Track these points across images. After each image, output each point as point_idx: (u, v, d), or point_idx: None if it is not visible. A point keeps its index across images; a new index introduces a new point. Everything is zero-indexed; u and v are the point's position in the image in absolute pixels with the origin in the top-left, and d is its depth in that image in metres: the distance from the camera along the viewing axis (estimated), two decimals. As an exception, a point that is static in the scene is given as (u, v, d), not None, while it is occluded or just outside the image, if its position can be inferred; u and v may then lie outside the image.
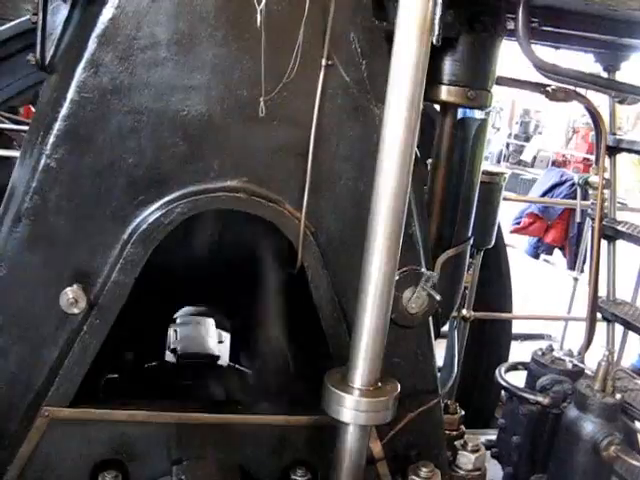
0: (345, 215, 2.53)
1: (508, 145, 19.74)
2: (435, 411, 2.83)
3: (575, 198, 5.56)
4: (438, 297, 2.56)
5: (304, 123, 2.41)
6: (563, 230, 7.82)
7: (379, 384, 2.34)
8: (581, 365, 3.41)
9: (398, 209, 2.19)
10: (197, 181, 2.39)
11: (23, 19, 2.95)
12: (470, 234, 3.01)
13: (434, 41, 2.41)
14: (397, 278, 2.39)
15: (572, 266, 6.92)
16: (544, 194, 8.00)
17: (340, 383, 2.32)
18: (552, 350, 3.56)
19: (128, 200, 2.38)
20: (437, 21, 2.43)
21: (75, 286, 2.35)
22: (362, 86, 2.46)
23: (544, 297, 8.28)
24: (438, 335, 2.96)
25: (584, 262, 6.11)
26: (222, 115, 2.37)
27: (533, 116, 16.07)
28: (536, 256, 8.53)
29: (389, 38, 2.28)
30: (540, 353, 3.53)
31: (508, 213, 8.01)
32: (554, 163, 18.61)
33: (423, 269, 2.63)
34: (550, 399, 3.26)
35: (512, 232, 8.34)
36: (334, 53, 2.39)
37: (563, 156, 18.91)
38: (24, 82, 3.09)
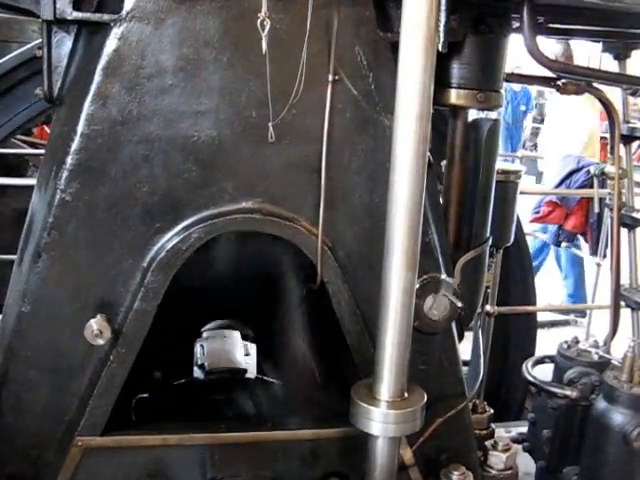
0: (362, 228, 2.53)
1: (525, 128, 19.60)
2: (464, 414, 2.82)
3: (593, 184, 5.54)
4: (460, 304, 2.56)
5: (315, 139, 2.41)
6: (583, 216, 7.75)
7: (406, 394, 2.34)
8: (607, 356, 3.38)
9: (414, 219, 2.19)
10: (212, 205, 2.40)
11: (28, 46, 2.96)
12: (488, 234, 3.00)
13: (440, 48, 2.41)
14: (417, 286, 2.39)
15: (594, 252, 6.87)
16: (561, 181, 7.93)
17: (367, 396, 2.33)
18: (577, 342, 3.54)
19: (145, 228, 2.39)
20: (442, 28, 2.44)
21: (99, 317, 2.37)
22: (370, 98, 2.45)
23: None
24: (462, 338, 2.96)
25: (606, 247, 6.08)
26: (232, 138, 2.38)
27: (548, 97, 15.93)
28: (557, 244, 8.48)
29: (394, 48, 2.28)
30: (565, 346, 3.51)
31: (527, 202, 7.97)
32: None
33: (443, 275, 2.62)
34: (578, 392, 3.24)
35: (532, 221, 8.29)
36: (340, 68, 2.39)
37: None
38: (35, 108, 3.11)
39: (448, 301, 2.61)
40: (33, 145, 6.02)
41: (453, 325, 2.76)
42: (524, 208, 6.70)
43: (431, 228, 2.63)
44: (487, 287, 3.37)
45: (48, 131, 6.24)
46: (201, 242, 2.38)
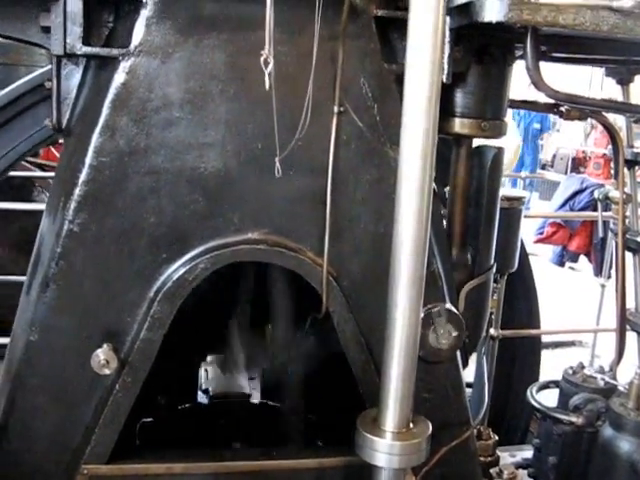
0: (367, 258, 2.54)
1: (541, 148, 19.59)
2: (468, 442, 2.83)
3: (597, 204, 5.54)
4: (464, 333, 2.57)
5: (320, 170, 2.43)
6: (587, 237, 7.78)
7: (411, 425, 2.35)
8: (613, 382, 3.39)
9: (419, 250, 2.20)
10: (218, 236, 2.42)
11: (37, 73, 2.98)
12: (492, 261, 3.01)
13: (444, 79, 2.44)
14: (422, 316, 2.40)
15: (598, 272, 6.87)
16: (565, 202, 7.95)
17: (372, 427, 2.33)
18: (583, 367, 3.55)
19: (152, 259, 2.41)
20: (446, 59, 2.47)
21: (105, 346, 2.39)
22: (375, 130, 2.47)
23: (572, 305, 8.25)
24: (466, 365, 2.97)
25: (610, 268, 6.08)
26: (239, 169, 2.40)
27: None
28: (561, 264, 8.49)
29: (399, 80, 2.30)
30: (571, 371, 3.52)
31: (530, 223, 7.97)
32: (574, 160, 18.49)
33: (447, 304, 2.63)
34: (584, 419, 3.24)
35: (535, 242, 8.31)
36: (345, 99, 2.42)
37: (583, 152, 18.79)
38: (42, 134, 3.12)
39: (453, 330, 2.62)
40: (40, 166, 6.05)
41: (458, 353, 2.77)
42: (528, 229, 6.70)
43: (435, 257, 2.64)
44: (491, 313, 3.37)
45: (55, 152, 6.29)
46: (207, 273, 2.40)
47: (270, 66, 2.09)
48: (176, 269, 2.41)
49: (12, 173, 4.64)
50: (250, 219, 2.43)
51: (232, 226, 2.42)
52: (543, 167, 19.98)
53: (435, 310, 2.60)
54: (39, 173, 5.88)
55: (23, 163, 5.56)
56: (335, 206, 2.45)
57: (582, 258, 8.63)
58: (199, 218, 2.41)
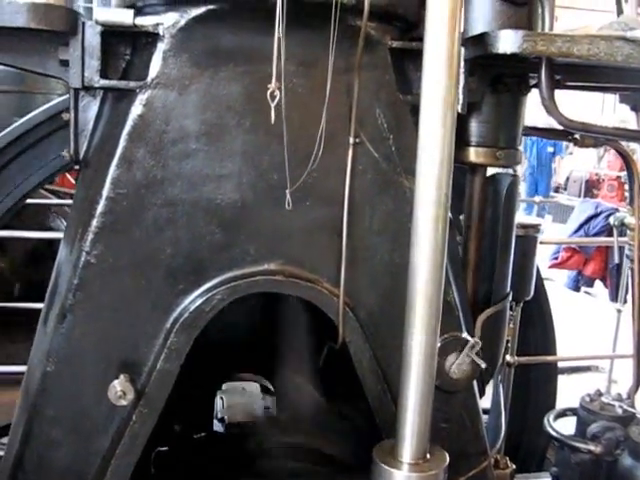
0: (383, 288, 2.54)
1: (555, 172, 19.55)
2: (486, 472, 2.80)
3: (612, 229, 5.53)
4: (483, 365, 2.56)
5: (336, 201, 2.43)
6: (602, 261, 7.75)
7: (428, 456, 2.33)
8: (631, 410, 3.36)
9: (436, 280, 2.20)
10: (235, 267, 2.42)
11: (53, 103, 3.01)
12: (508, 290, 3.00)
13: (459, 110, 2.45)
14: (438, 345, 2.39)
15: (614, 297, 6.83)
16: (580, 227, 7.95)
17: (389, 458, 2.32)
18: (600, 395, 3.52)
19: (168, 290, 2.42)
20: (461, 90, 2.48)
21: (122, 377, 2.39)
22: (391, 160, 2.48)
23: (588, 329, 8.21)
24: (483, 394, 2.96)
25: (627, 293, 6.05)
26: (255, 200, 2.41)
27: None
28: (577, 289, 8.46)
29: (414, 110, 2.31)
30: (588, 399, 3.49)
31: (545, 247, 7.95)
32: (587, 183, 18.44)
33: (464, 334, 2.62)
34: (602, 447, 3.22)
35: (550, 267, 8.29)
36: (361, 130, 2.43)
37: (596, 175, 18.76)
38: (58, 162, 3.15)
39: (469, 360, 2.61)
40: (55, 193, 6.10)
41: (474, 382, 2.76)
42: (543, 254, 6.68)
43: (452, 286, 2.64)
44: (507, 341, 3.35)
45: (70, 179, 6.33)
46: (224, 304, 2.40)
47: (276, 100, 2.11)
48: (193, 300, 2.42)
49: (28, 201, 4.69)
50: (266, 250, 2.44)
51: (249, 257, 2.43)
52: (556, 190, 19.95)
53: (452, 340, 2.60)
54: (55, 200, 5.92)
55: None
56: (351, 236, 2.45)
57: (598, 283, 8.60)
58: (216, 249, 2.42)
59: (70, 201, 5.21)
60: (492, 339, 2.94)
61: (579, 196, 17.63)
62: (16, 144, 3.00)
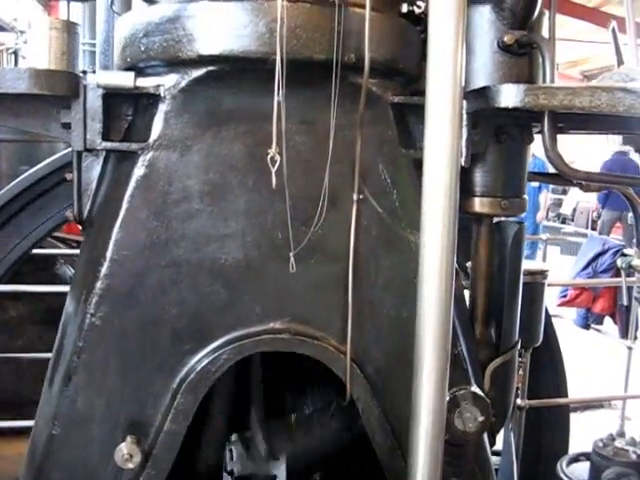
0: (390, 343, 2.52)
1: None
2: (499, 525, 2.77)
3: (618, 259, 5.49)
4: (491, 416, 2.53)
5: (341, 257, 2.42)
6: (611, 299, 7.73)
7: (439, 511, 2.31)
8: (645, 455, 3.33)
9: (443, 334, 2.19)
10: (240, 326, 2.41)
11: (57, 156, 3.03)
12: (517, 337, 2.98)
13: (463, 163, 2.45)
14: (447, 399, 2.37)
15: (624, 334, 6.79)
16: (588, 264, 7.93)
17: (400, 515, 2.30)
18: (613, 439, 3.49)
19: (174, 351, 2.40)
20: (464, 143, 2.47)
21: (129, 439, 2.36)
22: (395, 215, 2.48)
23: (599, 366, 8.15)
24: (493, 444, 2.92)
25: (637, 330, 6.02)
26: (259, 259, 2.40)
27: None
28: (586, 327, 8.41)
29: (417, 164, 2.31)
30: (601, 444, 3.46)
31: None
32: (594, 213, 18.37)
33: (473, 387, 2.60)
34: (617, 494, 3.18)
35: (559, 305, 8.26)
36: (364, 186, 2.42)
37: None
38: (63, 214, 3.16)
39: (479, 413, 2.58)
40: (62, 240, 6.11)
41: (485, 434, 2.73)
42: (551, 292, 6.65)
43: (459, 339, 2.62)
44: (517, 388, 3.32)
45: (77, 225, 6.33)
46: (230, 363, 2.39)
47: (277, 165, 2.11)
48: (199, 360, 2.40)
49: (35, 252, 4.70)
50: (272, 308, 2.43)
51: (254, 316, 2.42)
52: (563, 221, 19.92)
53: (460, 393, 2.56)
54: (62, 251, 5.94)
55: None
56: (357, 292, 2.44)
57: (607, 320, 8.55)
58: (221, 309, 2.41)
59: (77, 251, 5.22)
60: (502, 388, 2.91)
61: (586, 227, 17.64)
62: (24, 195, 3.02)
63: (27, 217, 3.11)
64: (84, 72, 7.60)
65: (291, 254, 2.30)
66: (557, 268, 9.65)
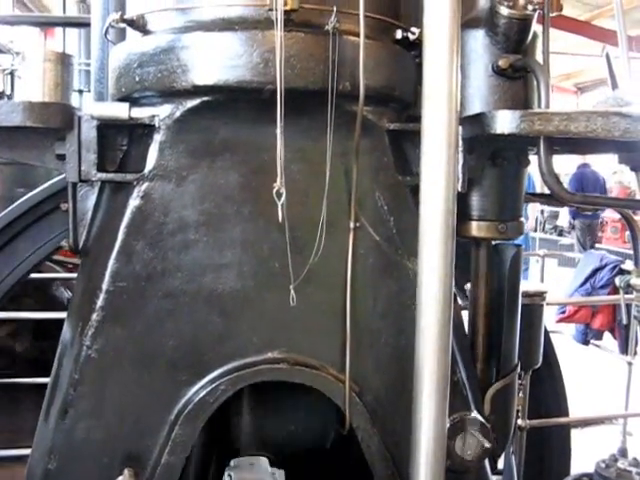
0: (389, 371, 2.51)
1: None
2: None
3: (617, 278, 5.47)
4: (492, 443, 2.52)
5: (338, 286, 2.41)
6: (610, 314, 7.72)
7: (441, 540, 2.29)
8: (648, 477, 3.29)
9: (442, 361, 2.18)
10: (238, 356, 2.39)
11: (53, 182, 3.02)
12: (516, 361, 2.96)
13: (460, 188, 2.44)
14: (447, 426, 2.35)
15: (624, 350, 6.78)
16: (586, 280, 7.93)
17: None
18: (616, 460, 3.45)
19: (171, 382, 2.39)
20: (460, 168, 2.46)
21: (127, 472, 2.34)
22: (392, 242, 2.46)
23: (599, 382, 8.14)
24: (495, 469, 2.90)
25: (637, 345, 6.01)
26: (256, 289, 2.39)
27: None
28: (585, 342, 8.39)
29: (414, 191, 2.31)
30: (603, 465, 3.42)
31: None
32: (590, 226, 18.43)
33: (473, 413, 2.58)
34: (619, 517, 3.15)
35: (558, 322, 8.25)
36: (361, 214, 2.41)
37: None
38: (62, 237, 3.15)
39: (479, 439, 2.56)
40: (59, 263, 6.09)
41: (486, 460, 2.71)
42: (550, 309, 6.64)
43: (458, 365, 2.60)
44: (517, 410, 3.30)
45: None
46: (228, 394, 2.37)
47: (282, 198, 2.10)
48: (197, 391, 2.38)
49: (33, 276, 4.68)
50: (269, 338, 2.41)
51: (252, 346, 2.40)
52: (560, 234, 19.93)
53: (460, 420, 2.55)
54: (59, 275, 5.93)
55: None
56: (355, 321, 2.42)
57: (606, 334, 8.53)
58: (218, 339, 2.39)
59: (73, 275, 5.21)
60: (502, 412, 2.89)
61: (583, 239, 17.64)
62: (20, 220, 3.01)
63: (23, 243, 3.09)
64: (80, 91, 7.59)
65: (291, 287, 2.29)
66: (554, 281, 9.64)
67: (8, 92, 4.68)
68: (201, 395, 2.36)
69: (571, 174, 17.76)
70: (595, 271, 7.90)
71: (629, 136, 2.28)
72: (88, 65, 6.88)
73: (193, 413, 2.36)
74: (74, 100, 3.55)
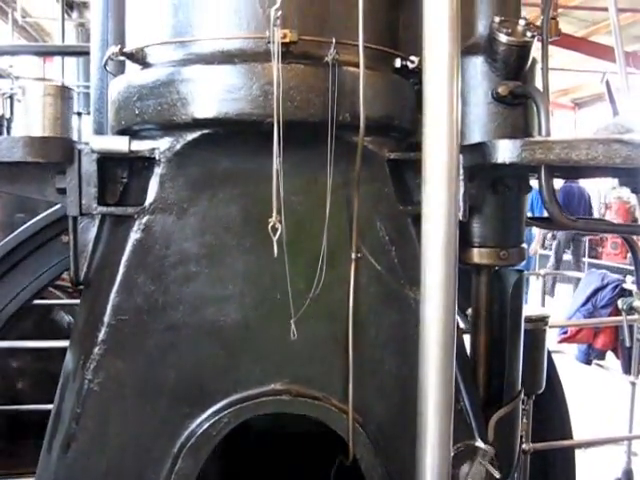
0: (392, 401, 2.50)
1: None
2: None
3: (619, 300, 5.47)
4: (497, 475, 2.50)
5: (340, 316, 2.40)
6: (612, 333, 7.70)
7: None
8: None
9: (445, 390, 2.17)
10: (240, 388, 2.38)
11: (54, 209, 3.03)
12: (519, 387, 2.95)
13: (461, 217, 2.43)
14: (452, 455, 2.34)
15: (627, 370, 6.76)
16: (587, 300, 7.93)
17: None
18: (620, 484, 3.45)
19: (174, 415, 2.37)
20: (461, 197, 2.46)
21: (129, 506, 2.34)
22: (394, 272, 2.46)
23: (602, 402, 8.10)
24: (500, 496, 2.88)
25: (639, 364, 5.99)
26: (258, 320, 2.39)
27: None
28: (588, 362, 8.37)
29: (416, 220, 2.30)
30: (608, 489, 3.42)
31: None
32: (590, 241, 18.43)
33: (477, 442, 2.57)
34: (626, 542, 3.14)
35: (560, 342, 8.23)
36: (362, 244, 2.41)
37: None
38: (63, 265, 3.15)
39: (484, 468, 2.55)
40: (59, 288, 6.08)
41: (491, 487, 2.69)
42: (552, 329, 6.62)
43: (462, 393, 2.59)
44: (521, 436, 3.28)
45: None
46: (231, 426, 2.36)
47: (278, 234, 2.10)
48: (200, 424, 2.37)
49: (36, 302, 4.68)
50: (272, 370, 2.40)
51: (254, 378, 2.39)
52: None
53: (464, 449, 2.54)
54: (60, 301, 5.92)
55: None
56: (357, 351, 2.41)
57: (609, 354, 8.50)
58: (220, 371, 2.38)
59: (75, 301, 5.22)
60: (506, 439, 2.88)
61: (583, 255, 17.67)
62: (21, 248, 3.01)
63: (25, 270, 3.09)
64: (79, 114, 7.60)
65: (292, 321, 2.28)
66: (554, 299, 9.60)
67: (8, 115, 4.67)
68: (204, 427, 2.35)
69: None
70: (597, 291, 7.89)
71: (630, 163, 2.28)
72: (87, 88, 6.92)
73: (196, 445, 2.35)
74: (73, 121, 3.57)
